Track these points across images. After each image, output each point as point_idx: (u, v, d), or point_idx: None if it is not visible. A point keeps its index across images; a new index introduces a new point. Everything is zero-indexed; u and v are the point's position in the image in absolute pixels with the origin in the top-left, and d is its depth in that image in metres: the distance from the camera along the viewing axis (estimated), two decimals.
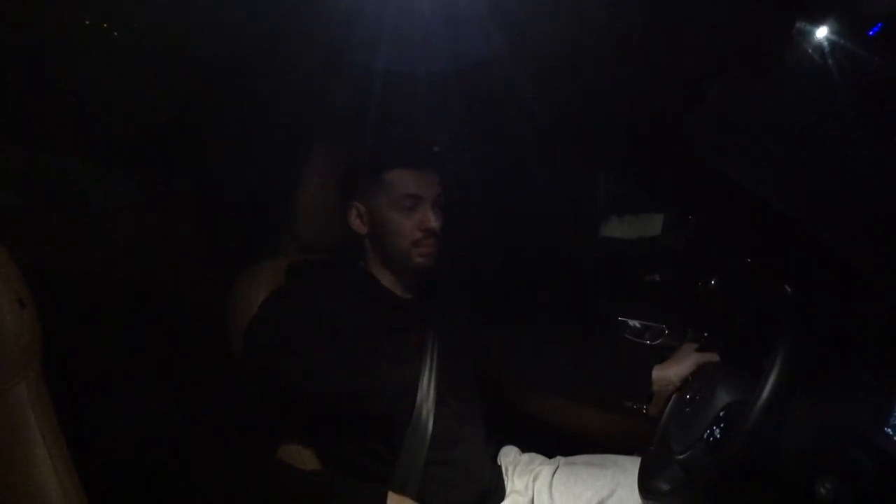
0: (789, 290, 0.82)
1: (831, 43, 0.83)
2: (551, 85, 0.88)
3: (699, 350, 1.06)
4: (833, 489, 0.64)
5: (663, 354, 1.30)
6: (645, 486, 0.89)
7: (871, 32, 0.70)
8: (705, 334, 1.26)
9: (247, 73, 1.03)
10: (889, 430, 0.74)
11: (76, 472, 0.66)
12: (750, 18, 0.75)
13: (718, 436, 0.78)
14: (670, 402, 1.02)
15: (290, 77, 1.01)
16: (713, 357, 1.01)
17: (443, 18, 0.67)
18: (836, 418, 0.79)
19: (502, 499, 1.02)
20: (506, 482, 1.07)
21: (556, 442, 1.15)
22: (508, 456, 1.12)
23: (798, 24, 0.75)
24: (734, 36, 0.80)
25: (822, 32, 0.80)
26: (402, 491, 0.89)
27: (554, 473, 1.07)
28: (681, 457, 0.84)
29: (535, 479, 1.07)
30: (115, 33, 1.04)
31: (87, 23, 1.02)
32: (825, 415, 0.79)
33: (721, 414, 0.80)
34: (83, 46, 1.03)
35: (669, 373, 1.03)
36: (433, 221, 0.99)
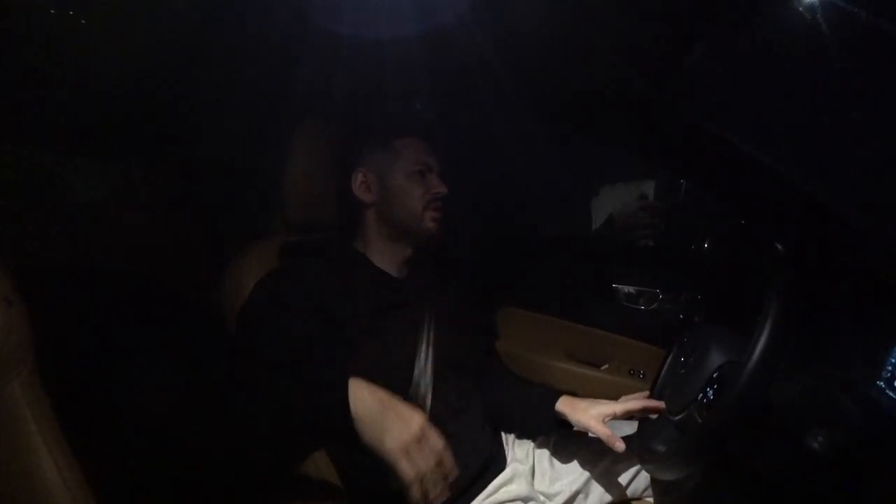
0: (780, 248, 0.82)
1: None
2: (535, 52, 0.87)
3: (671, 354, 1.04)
4: (825, 441, 0.65)
5: (659, 319, 1.32)
6: (642, 448, 0.91)
7: None
8: (698, 297, 1.27)
9: (219, 52, 1.01)
10: (881, 382, 0.75)
11: (78, 466, 0.66)
12: None
13: (712, 396, 0.79)
14: (665, 366, 1.03)
15: (261, 53, 0.99)
16: (650, 405, 0.96)
17: None
18: (828, 372, 0.80)
19: (503, 468, 1.04)
20: (507, 452, 1.09)
21: None
22: None
23: None
24: None
25: None
26: None
27: (553, 441, 1.09)
28: (676, 418, 0.86)
29: (536, 447, 1.09)
30: (83, 21, 1.01)
31: (52, 12, 0.99)
32: (817, 369, 0.80)
33: (714, 375, 0.81)
34: (53, 35, 1.00)
35: (586, 407, 0.98)
36: (444, 187, 1.04)
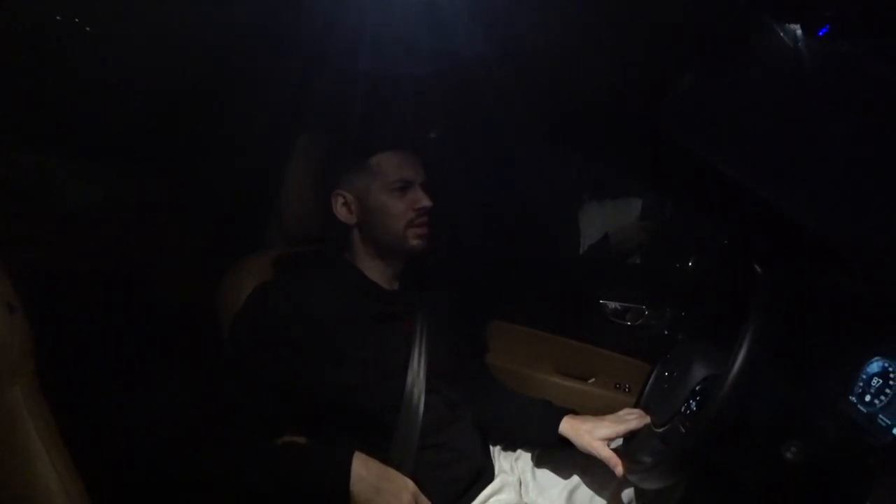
0: (759, 269, 0.86)
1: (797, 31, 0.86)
2: (529, 78, 0.90)
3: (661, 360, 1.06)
4: (798, 453, 0.69)
5: (643, 334, 1.36)
6: (628, 460, 0.93)
7: (820, 33, 0.73)
8: (682, 314, 1.31)
9: (227, 68, 1.03)
10: (853, 397, 0.79)
11: (76, 471, 0.67)
12: (718, 10, 0.78)
13: (694, 408, 0.82)
14: (650, 380, 1.06)
15: (271, 72, 1.01)
16: (641, 421, 0.97)
17: (424, 18, 0.68)
18: (803, 387, 0.84)
19: (492, 479, 1.05)
20: (494, 462, 1.10)
21: None
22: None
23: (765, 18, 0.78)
24: (704, 25, 0.83)
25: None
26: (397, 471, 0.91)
27: (537, 452, 1.10)
28: (660, 430, 0.89)
29: (517, 459, 1.10)
30: (88, 28, 1.03)
31: (58, 18, 1.00)
32: (793, 384, 0.84)
33: (697, 388, 0.84)
34: (57, 43, 1.01)
35: (590, 429, 0.98)
36: (427, 200, 1.00)
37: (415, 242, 1.01)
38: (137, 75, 1.03)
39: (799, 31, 0.83)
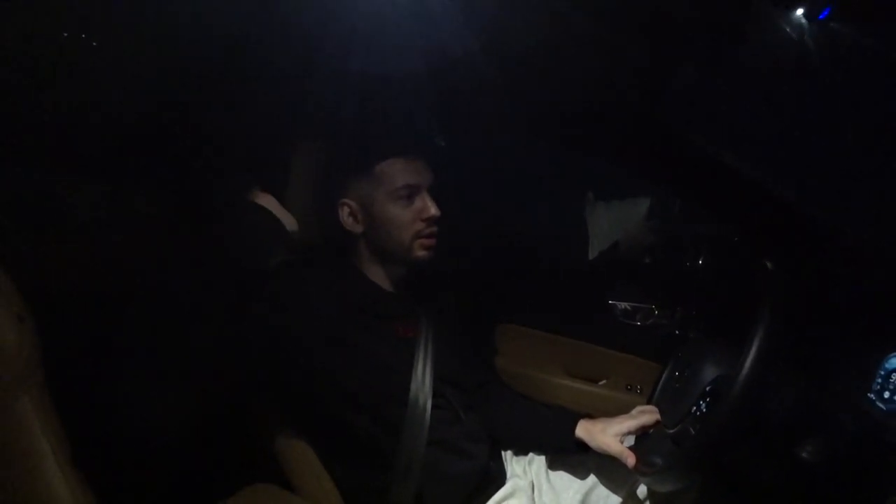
0: (770, 265, 0.84)
1: (798, 19, 0.85)
2: (528, 77, 0.89)
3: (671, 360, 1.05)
4: (814, 451, 0.67)
5: (654, 334, 1.34)
6: (641, 462, 0.92)
7: (821, 16, 0.72)
8: (693, 313, 1.29)
9: (224, 77, 1.03)
10: (871, 394, 0.77)
11: (85, 479, 0.68)
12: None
13: (705, 409, 0.81)
14: (661, 381, 1.04)
15: (267, 79, 1.02)
16: (652, 417, 0.96)
17: (415, 19, 0.68)
18: (819, 386, 0.82)
19: (504, 483, 1.04)
20: (506, 466, 1.09)
21: None
22: None
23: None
24: (703, 15, 0.82)
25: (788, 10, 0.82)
26: (404, 475, 0.91)
27: (550, 456, 1.09)
28: (672, 431, 0.87)
29: (530, 463, 1.09)
30: (94, 43, 1.04)
31: (66, 35, 1.02)
32: (809, 383, 0.82)
33: (708, 388, 0.83)
34: (59, 57, 1.02)
35: (603, 428, 0.97)
36: (435, 209, 0.98)
37: (421, 253, 1.00)
38: (136, 88, 1.04)
39: (800, 17, 0.81)
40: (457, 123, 1.26)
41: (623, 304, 1.35)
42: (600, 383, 1.36)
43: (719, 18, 0.80)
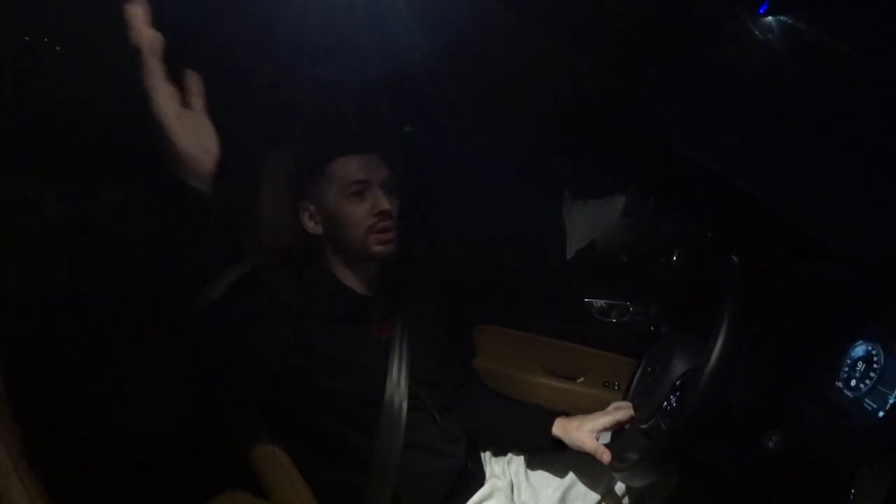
0: (735, 259, 0.86)
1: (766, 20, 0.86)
2: (500, 78, 0.90)
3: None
4: (779, 441, 0.68)
5: (629, 331, 1.35)
6: (616, 458, 0.92)
7: (760, 11, 0.73)
8: (668, 308, 1.30)
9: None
10: (839, 383, 0.78)
11: (46, 493, 0.66)
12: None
13: (675, 403, 0.82)
14: (636, 377, 1.05)
15: (230, 82, 1.01)
16: (627, 413, 0.97)
17: (375, 20, 0.68)
18: (787, 376, 0.83)
19: (482, 484, 1.04)
20: (484, 467, 1.09)
21: None
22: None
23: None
24: (666, 14, 0.82)
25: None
26: (380, 476, 0.90)
27: (528, 456, 1.09)
28: (644, 426, 0.88)
29: (509, 463, 1.09)
30: (58, 48, 1.03)
31: (27, 39, 1.00)
32: (776, 374, 0.83)
33: (678, 383, 0.84)
34: (26, 61, 1.01)
35: (578, 425, 0.98)
36: (385, 203, 0.97)
37: (378, 248, 0.99)
38: (105, 89, 1.03)
39: (767, 17, 0.83)
40: (430, 123, 1.26)
41: (599, 302, 1.36)
42: (578, 381, 1.37)
43: (687, 19, 0.81)
